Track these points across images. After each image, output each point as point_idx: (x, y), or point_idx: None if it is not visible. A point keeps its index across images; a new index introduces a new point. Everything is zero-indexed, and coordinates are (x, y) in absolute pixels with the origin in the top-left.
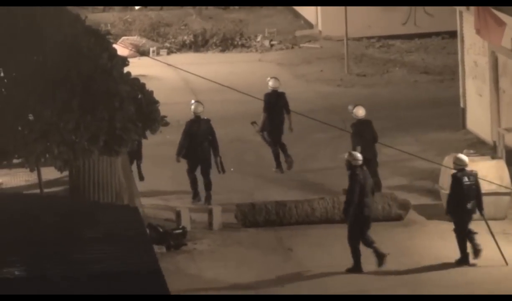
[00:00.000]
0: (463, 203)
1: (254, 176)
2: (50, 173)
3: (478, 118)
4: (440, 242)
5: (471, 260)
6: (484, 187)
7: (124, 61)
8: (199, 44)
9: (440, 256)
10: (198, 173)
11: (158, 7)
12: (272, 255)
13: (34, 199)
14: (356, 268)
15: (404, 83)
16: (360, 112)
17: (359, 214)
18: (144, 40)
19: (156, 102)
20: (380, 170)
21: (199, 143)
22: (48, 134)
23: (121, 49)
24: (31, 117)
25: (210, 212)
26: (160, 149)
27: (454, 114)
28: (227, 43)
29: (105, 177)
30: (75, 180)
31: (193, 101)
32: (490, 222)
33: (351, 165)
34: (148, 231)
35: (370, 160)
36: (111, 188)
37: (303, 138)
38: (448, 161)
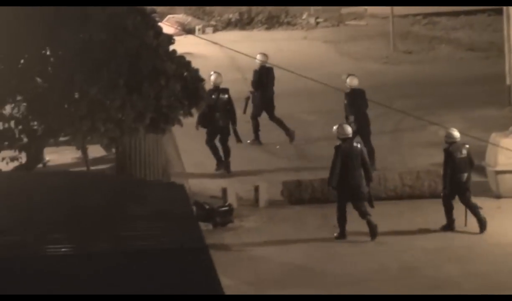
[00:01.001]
0: (456, 175)
1: (299, 153)
2: (96, 151)
3: None
4: (486, 219)
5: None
6: None
7: (170, 39)
8: (244, 22)
9: (485, 232)
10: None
11: None
12: (318, 232)
13: (80, 176)
14: (341, 235)
15: (449, 60)
16: (354, 81)
17: (346, 185)
18: (189, 18)
19: (202, 80)
20: (426, 147)
21: (218, 112)
22: (94, 112)
23: (167, 27)
24: (77, 95)
25: (256, 189)
26: None
27: (500, 91)
28: (272, 21)
29: (151, 154)
30: (121, 158)
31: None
32: None
33: (338, 137)
34: (194, 208)
35: (364, 129)
36: (157, 165)
37: None
38: (494, 138)
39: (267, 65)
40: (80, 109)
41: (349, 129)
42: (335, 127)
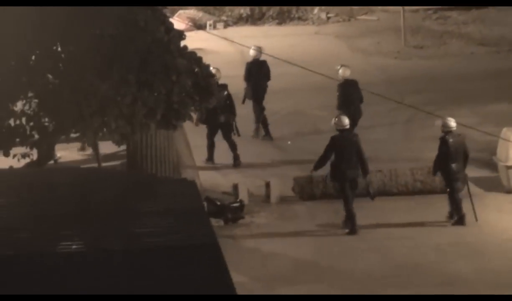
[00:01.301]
0: (448, 164)
1: (311, 149)
2: (107, 147)
3: None
4: (498, 214)
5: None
6: None
7: (181, 35)
8: (255, 17)
9: (497, 228)
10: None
11: None
12: (329, 228)
13: (91, 173)
14: (353, 230)
15: (461, 55)
16: (347, 72)
17: (344, 176)
18: (201, 14)
19: (213, 75)
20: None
21: (218, 108)
22: (106, 109)
23: (177, 23)
24: (88, 91)
25: (267, 185)
26: None
27: (511, 86)
28: (283, 16)
29: (162, 150)
30: (132, 154)
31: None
32: None
33: (336, 129)
34: (205, 204)
35: (353, 120)
36: (168, 162)
37: None
38: (505, 133)
39: (261, 58)
40: (91, 106)
41: (346, 121)
42: (333, 120)
